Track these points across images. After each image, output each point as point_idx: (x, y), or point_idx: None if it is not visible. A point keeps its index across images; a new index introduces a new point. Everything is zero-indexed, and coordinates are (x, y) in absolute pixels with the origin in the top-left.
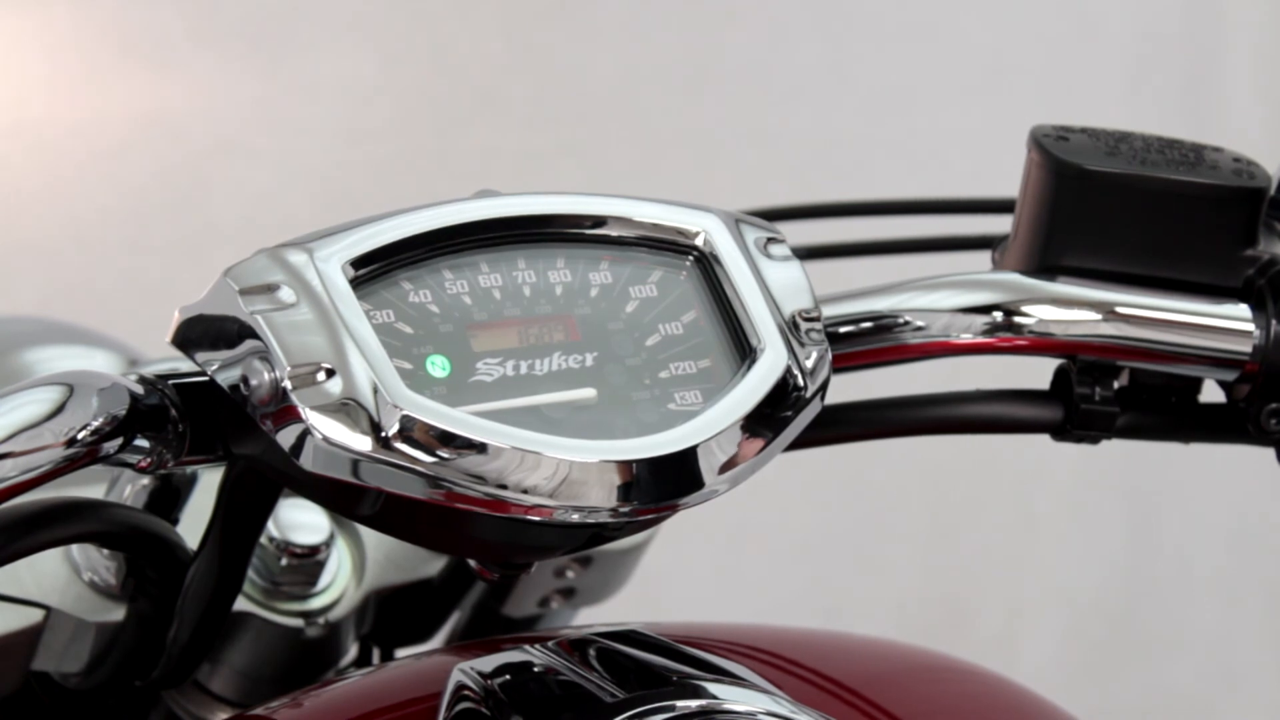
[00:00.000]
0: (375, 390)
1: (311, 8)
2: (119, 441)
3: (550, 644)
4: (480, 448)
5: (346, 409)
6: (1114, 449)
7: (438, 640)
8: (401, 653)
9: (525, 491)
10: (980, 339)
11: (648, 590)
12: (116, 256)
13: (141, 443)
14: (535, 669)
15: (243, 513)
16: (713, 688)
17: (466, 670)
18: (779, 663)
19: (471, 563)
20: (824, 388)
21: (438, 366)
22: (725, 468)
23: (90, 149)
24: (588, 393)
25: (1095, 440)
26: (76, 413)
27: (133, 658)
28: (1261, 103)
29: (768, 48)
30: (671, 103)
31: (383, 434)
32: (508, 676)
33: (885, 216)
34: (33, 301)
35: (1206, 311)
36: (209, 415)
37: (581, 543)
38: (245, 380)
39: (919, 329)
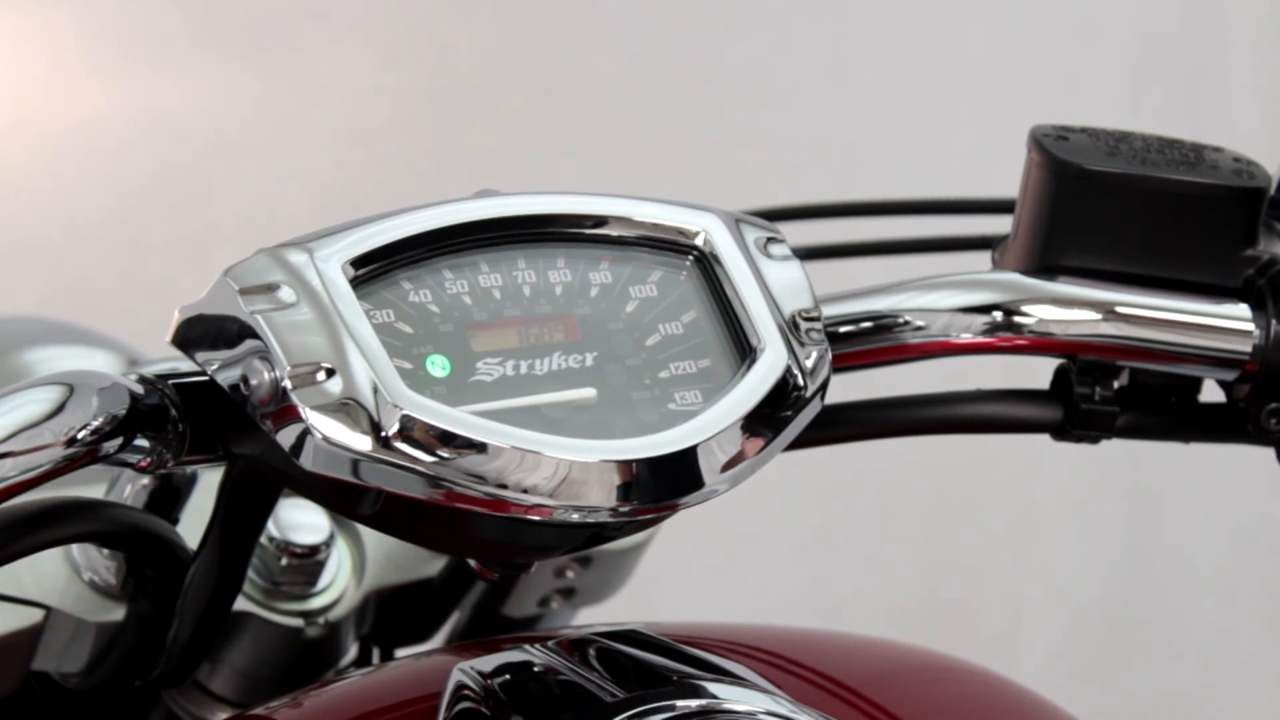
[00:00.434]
0: (375, 390)
1: (311, 8)
2: (119, 441)
3: (550, 644)
4: (480, 447)
5: (346, 409)
6: (1114, 449)
7: (438, 640)
8: (401, 653)
9: (525, 491)
10: (980, 339)
11: (647, 590)
12: (116, 256)
13: (141, 442)
14: (535, 669)
15: (243, 513)
16: (713, 687)
17: (466, 670)
18: (779, 663)
19: (471, 563)
20: (824, 387)
21: (438, 366)
22: (725, 467)
23: (90, 149)
24: (588, 392)
25: (1095, 440)
26: (76, 412)
27: (133, 658)
28: (1261, 103)
29: (768, 48)
30: (671, 102)
31: (383, 434)
32: (508, 676)
33: (885, 217)
34: (33, 301)
35: (1206, 311)
36: (209, 415)
37: (581, 542)
38: (245, 380)
39: (919, 329)
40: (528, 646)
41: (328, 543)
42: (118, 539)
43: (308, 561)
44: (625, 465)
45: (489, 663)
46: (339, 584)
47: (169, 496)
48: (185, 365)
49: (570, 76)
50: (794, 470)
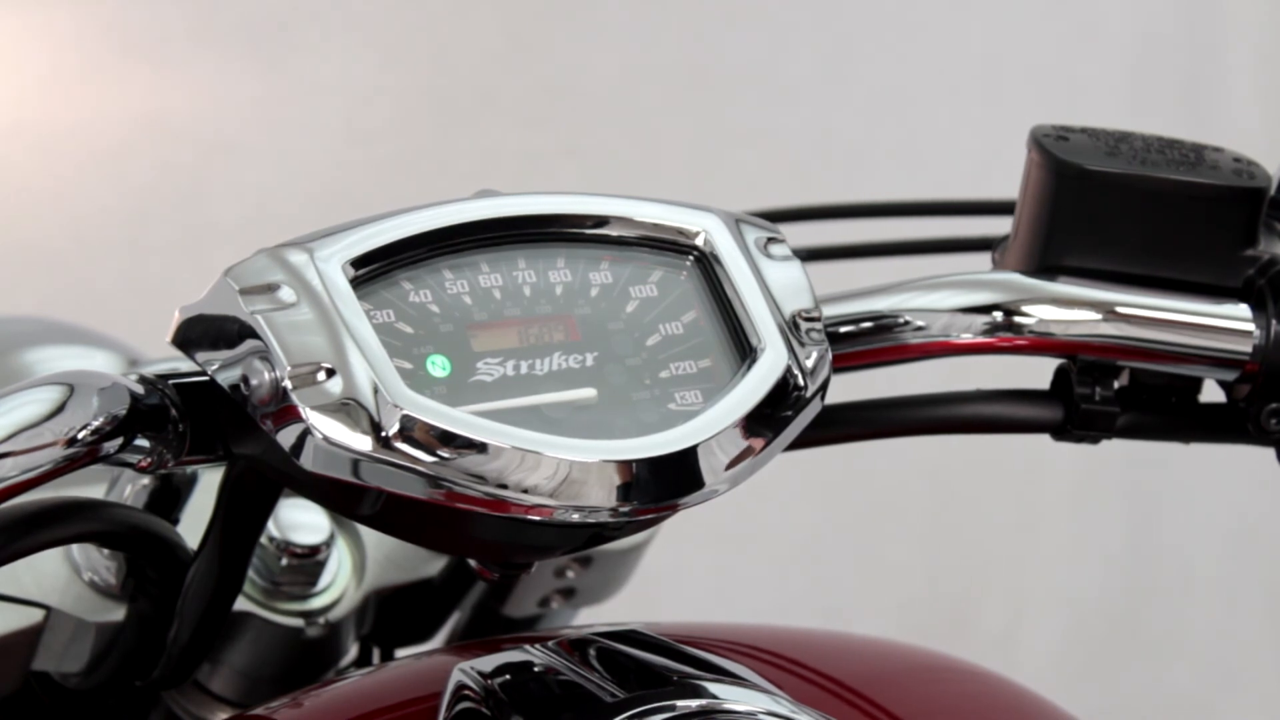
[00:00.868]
0: (375, 390)
1: (311, 8)
2: (119, 441)
3: (550, 644)
4: (480, 447)
5: (347, 409)
6: (1114, 448)
7: (438, 640)
8: (401, 653)
9: (525, 491)
10: (980, 339)
11: (647, 590)
12: (116, 256)
13: (142, 442)
14: (535, 669)
15: (243, 513)
16: (713, 687)
17: (467, 670)
18: (779, 663)
19: (472, 563)
20: (824, 387)
21: (438, 366)
22: (725, 467)
23: (90, 149)
24: (588, 392)
25: (1095, 440)
26: (77, 412)
27: (133, 658)
28: (1261, 103)
29: (768, 48)
30: (672, 102)
31: (383, 434)
32: (508, 676)
33: (885, 218)
34: (33, 301)
35: (1206, 311)
36: (209, 415)
37: (581, 542)
38: (245, 380)
39: (919, 329)
40: (528, 646)
41: (328, 543)
42: (118, 539)
43: (308, 561)
44: (625, 465)
45: (489, 663)
46: (339, 584)
47: (169, 496)
48: (185, 365)
49: (570, 76)
50: (793, 470)
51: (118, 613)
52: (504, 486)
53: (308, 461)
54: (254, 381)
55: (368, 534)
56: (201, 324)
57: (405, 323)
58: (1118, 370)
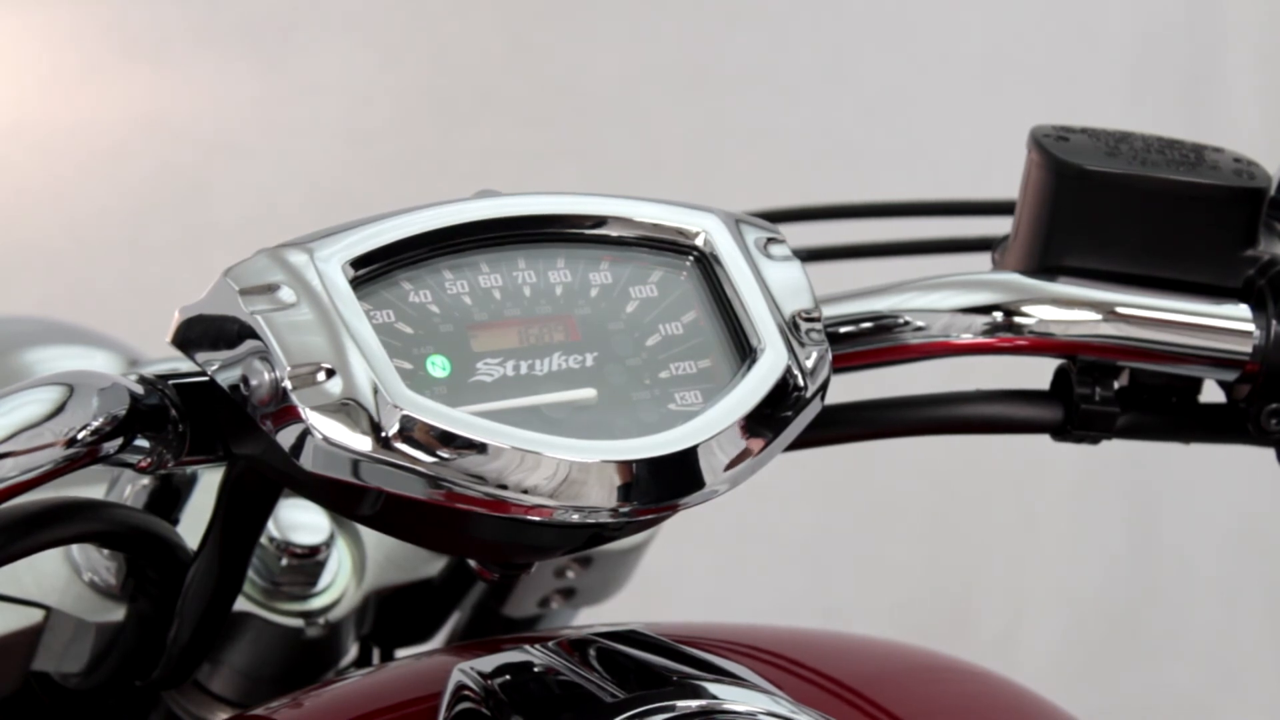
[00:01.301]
0: (375, 390)
1: (312, 8)
2: (119, 441)
3: (550, 644)
4: (480, 448)
5: (346, 409)
6: (1114, 448)
7: (438, 640)
8: (401, 653)
9: (525, 491)
10: (980, 339)
11: (647, 590)
12: (116, 257)
13: (141, 443)
14: (535, 669)
15: (243, 513)
16: (713, 688)
17: (466, 670)
18: (779, 663)
19: (471, 563)
20: (824, 388)
21: (438, 366)
22: (725, 468)
23: (90, 149)
24: (588, 393)
25: (1095, 440)
26: (77, 413)
27: (133, 658)
28: (1261, 103)
29: (768, 48)
30: (672, 102)
31: (383, 434)
32: (508, 676)
33: (885, 218)
34: (33, 302)
35: (1206, 312)
36: (209, 415)
37: (581, 543)
38: (245, 380)
39: (919, 329)
40: (528, 647)
41: (328, 543)
42: (118, 539)
43: (308, 562)
44: (625, 465)
45: (489, 663)
46: (339, 584)
47: (169, 497)
48: (185, 365)
49: (571, 76)
50: (793, 469)
51: (118, 613)
52: (504, 487)
53: (307, 462)
54: (254, 382)
55: (368, 534)
56: (201, 324)
57: (405, 323)
58: (1118, 370)
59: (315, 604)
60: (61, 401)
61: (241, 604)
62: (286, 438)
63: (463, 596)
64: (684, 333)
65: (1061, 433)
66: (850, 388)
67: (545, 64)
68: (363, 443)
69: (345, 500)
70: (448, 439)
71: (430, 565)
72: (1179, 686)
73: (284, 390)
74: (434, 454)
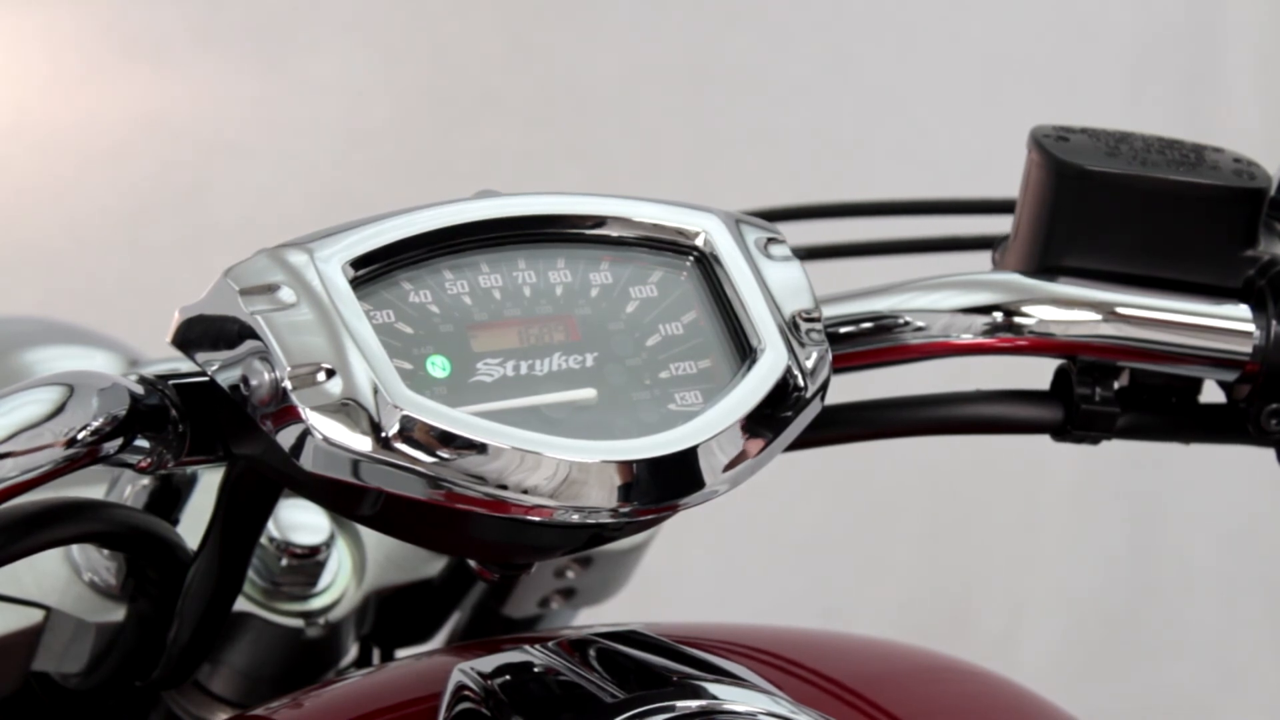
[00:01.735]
0: (375, 390)
1: (312, 8)
2: (119, 442)
3: (550, 644)
4: (480, 448)
5: (346, 409)
6: (1115, 448)
7: (438, 640)
8: (401, 653)
9: (525, 492)
10: (980, 339)
11: (647, 590)
12: (117, 256)
13: (142, 443)
14: (535, 669)
15: (243, 513)
16: (713, 688)
17: (467, 670)
18: (779, 663)
19: (471, 563)
20: (824, 388)
21: (438, 367)
22: (725, 468)
23: (91, 149)
24: (588, 393)
25: (1095, 441)
26: (77, 413)
27: (133, 658)
28: (1261, 103)
29: (768, 48)
30: (672, 102)
31: (383, 434)
32: (508, 677)
33: (885, 217)
34: (33, 302)
35: (1206, 312)
36: (209, 415)
37: (582, 543)
38: (245, 380)
39: (919, 329)
40: (528, 647)
41: (328, 543)
42: (118, 539)
43: (308, 562)
44: (625, 466)
45: (489, 663)
46: (339, 584)
47: (169, 497)
48: (185, 366)
49: (571, 76)
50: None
51: (118, 613)
52: (504, 487)
53: (307, 462)
54: (254, 382)
55: (368, 534)
56: (201, 324)
57: (405, 323)
58: (1118, 371)
59: (315, 604)
60: (61, 402)
61: (241, 604)
62: (286, 438)
63: (463, 596)
64: (684, 333)
65: (1061, 433)
66: (850, 388)
67: (546, 64)
68: (363, 443)
69: (345, 500)
70: (448, 439)
71: (430, 565)
72: (1180, 686)
73: (284, 390)
74: (434, 454)
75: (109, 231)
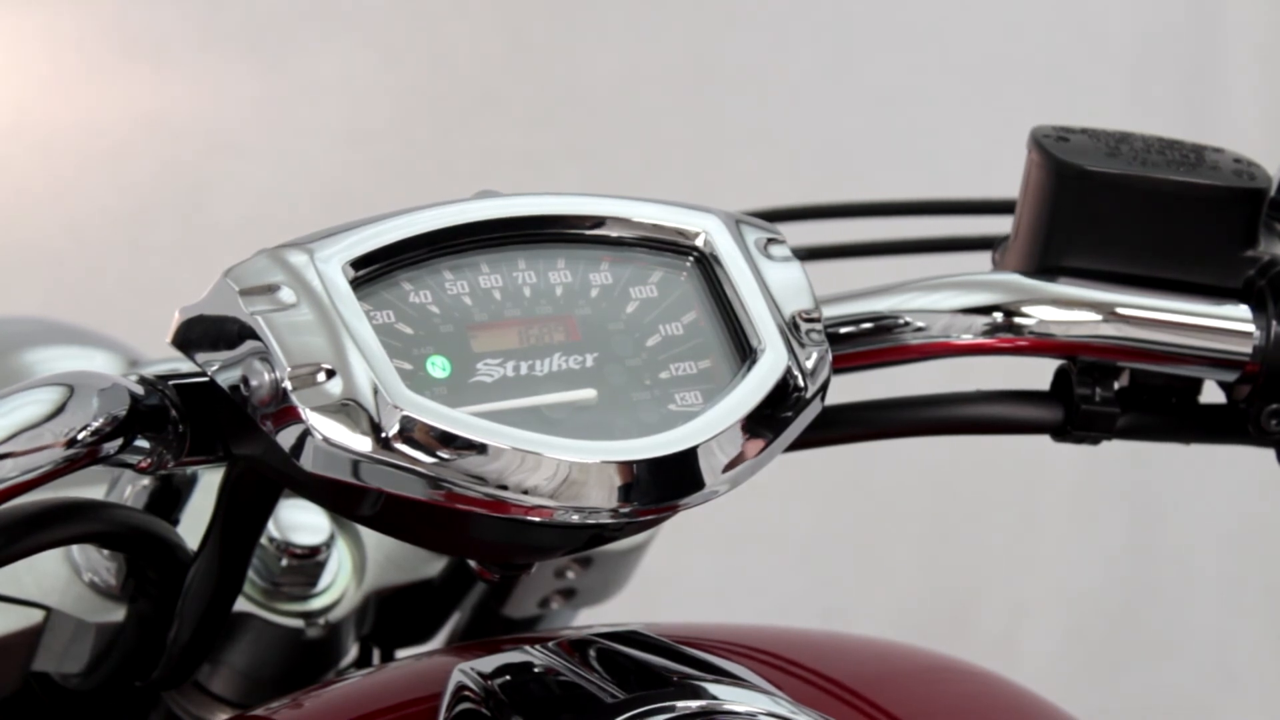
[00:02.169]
0: (375, 391)
1: (312, 8)
2: (119, 442)
3: (550, 644)
4: (480, 448)
5: (347, 409)
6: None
7: (438, 641)
8: (402, 653)
9: (525, 492)
10: (980, 339)
11: (647, 590)
12: (117, 256)
13: (142, 443)
14: (535, 669)
15: (243, 513)
16: (713, 688)
17: (467, 671)
18: (779, 663)
19: (472, 563)
20: (824, 388)
21: (438, 367)
22: (726, 468)
23: (91, 149)
24: (588, 393)
25: (1095, 441)
26: (77, 413)
27: (133, 658)
28: (1261, 103)
29: (768, 48)
30: (673, 102)
31: (383, 435)
32: (508, 677)
33: (886, 217)
34: (33, 302)
35: (1207, 312)
36: (209, 416)
37: (582, 543)
38: (245, 381)
39: (919, 330)
40: (528, 647)
41: (328, 543)
42: (118, 540)
43: (308, 562)
44: (626, 466)
45: (489, 663)
46: (339, 585)
47: (169, 497)
48: (185, 366)
49: (571, 76)
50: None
51: (118, 613)
52: (504, 487)
53: (308, 462)
54: (254, 382)
55: (368, 534)
56: (201, 325)
57: (405, 323)
58: (1118, 371)
59: (315, 604)
60: (61, 402)
61: (242, 604)
62: (287, 438)
63: (463, 597)
64: (684, 333)
65: (1062, 433)
66: (850, 388)
67: (546, 64)
68: (363, 443)
69: (345, 501)
70: (448, 439)
71: (430, 565)
72: (1179, 686)
73: (284, 391)
74: (434, 454)
75: (109, 231)
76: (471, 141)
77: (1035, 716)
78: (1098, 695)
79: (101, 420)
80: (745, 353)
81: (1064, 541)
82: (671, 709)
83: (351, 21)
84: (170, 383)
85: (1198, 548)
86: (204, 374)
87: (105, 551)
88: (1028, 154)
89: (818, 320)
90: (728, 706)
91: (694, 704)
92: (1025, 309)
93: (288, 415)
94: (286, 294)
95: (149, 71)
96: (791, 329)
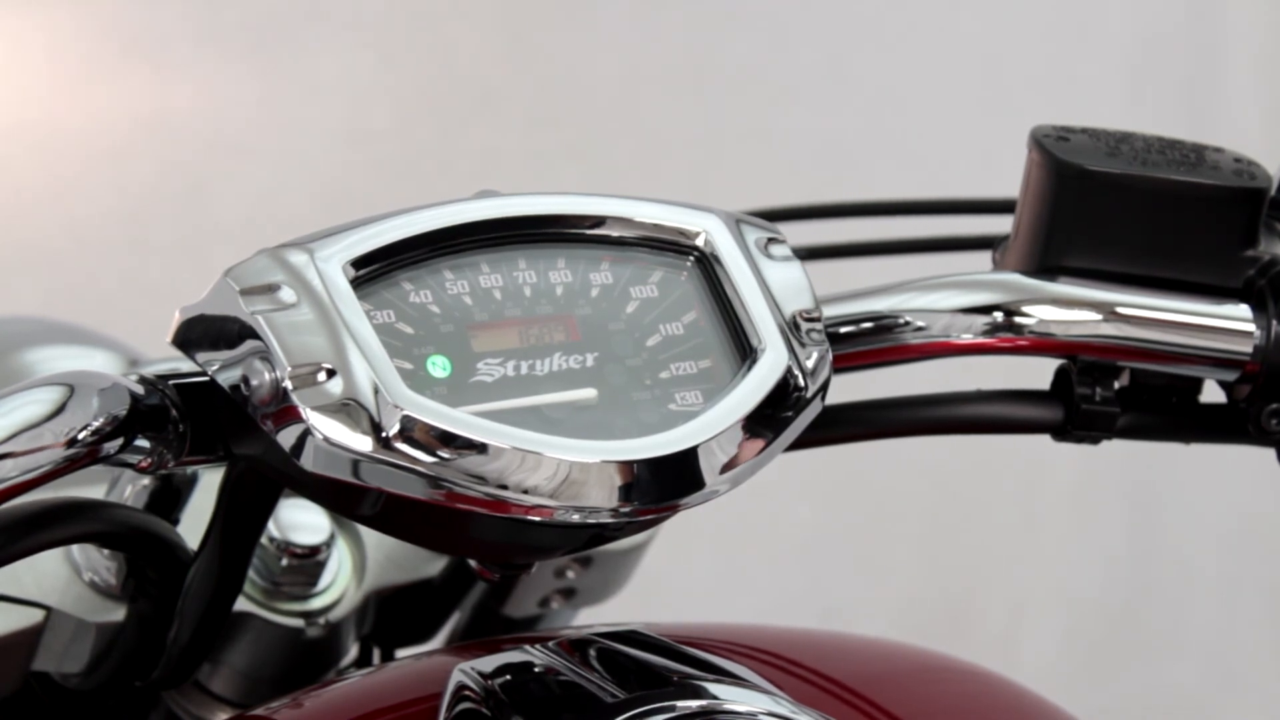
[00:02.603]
0: (376, 390)
1: (312, 8)
2: (119, 442)
3: (551, 644)
4: (481, 448)
5: (347, 409)
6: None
7: (438, 640)
8: (402, 653)
9: (526, 492)
10: (981, 339)
11: (647, 590)
12: (117, 257)
13: (142, 443)
14: (536, 669)
15: (243, 513)
16: (713, 688)
17: (467, 670)
18: (779, 663)
19: (472, 563)
20: (824, 388)
21: (438, 367)
22: (726, 468)
23: (91, 149)
24: (588, 393)
25: (1096, 441)
26: (77, 413)
27: (133, 658)
28: (1261, 103)
29: (768, 48)
30: (673, 102)
31: (383, 434)
32: (508, 677)
33: (886, 217)
34: (33, 302)
35: (1207, 312)
36: (209, 415)
37: (582, 543)
38: (246, 380)
39: (919, 329)
40: (528, 647)
41: (328, 543)
42: (118, 539)
43: (308, 562)
44: (626, 466)
45: (489, 663)
46: (339, 584)
47: (169, 497)
48: (186, 366)
49: (572, 76)
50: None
51: (118, 613)
52: (504, 487)
53: (308, 462)
54: (254, 382)
55: (368, 534)
56: (202, 324)
57: (406, 323)
58: (1118, 371)
59: (315, 604)
60: (62, 402)
61: (242, 604)
62: (287, 438)
63: (463, 596)
64: (684, 333)
65: (1062, 433)
66: (850, 388)
67: (546, 64)
68: (363, 443)
69: (345, 500)
70: (448, 439)
71: (430, 565)
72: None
73: (284, 390)
74: (434, 454)
75: (109, 231)
76: (471, 141)
77: (1035, 716)
78: (1098, 695)
79: (102, 420)
80: (745, 352)
81: (1064, 541)
82: (671, 709)
83: (351, 21)
84: (170, 382)
85: (1198, 547)
86: (204, 374)
87: (105, 551)
88: (1028, 153)
89: (818, 320)
90: (728, 706)
91: (694, 704)
92: (1025, 309)
93: (288, 415)
94: (287, 294)
95: (149, 71)
96: (792, 329)
